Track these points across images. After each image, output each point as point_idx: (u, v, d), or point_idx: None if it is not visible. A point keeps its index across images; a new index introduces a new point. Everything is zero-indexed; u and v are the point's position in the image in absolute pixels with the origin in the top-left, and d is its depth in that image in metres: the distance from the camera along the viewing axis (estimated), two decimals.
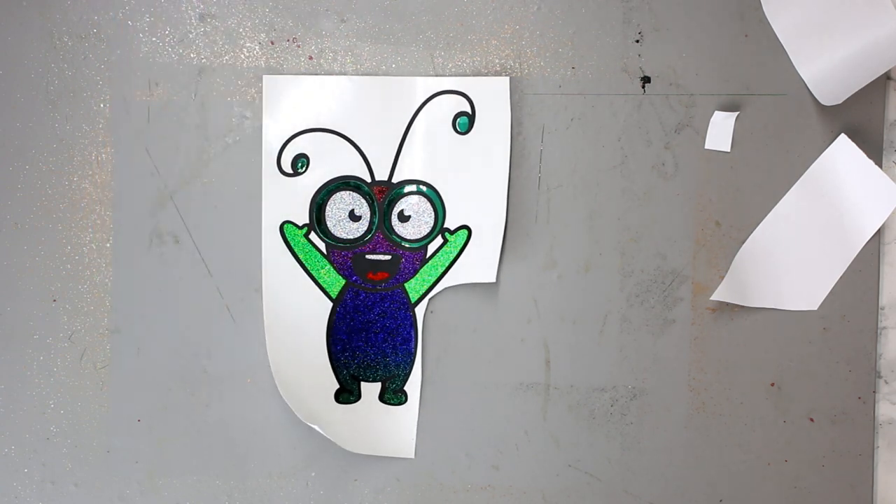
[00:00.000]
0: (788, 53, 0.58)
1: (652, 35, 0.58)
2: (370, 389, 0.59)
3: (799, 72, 0.58)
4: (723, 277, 0.58)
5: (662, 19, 0.58)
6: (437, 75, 0.58)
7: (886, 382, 0.59)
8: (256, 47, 0.58)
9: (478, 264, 0.58)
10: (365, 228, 0.59)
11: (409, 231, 0.59)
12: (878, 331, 0.59)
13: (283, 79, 0.58)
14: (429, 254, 0.59)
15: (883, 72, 0.55)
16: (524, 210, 0.59)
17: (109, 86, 0.59)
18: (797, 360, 0.59)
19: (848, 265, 0.58)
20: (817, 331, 0.59)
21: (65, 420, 0.60)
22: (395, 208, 0.58)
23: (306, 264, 0.59)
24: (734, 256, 0.58)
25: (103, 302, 0.59)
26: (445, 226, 0.58)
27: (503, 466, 0.59)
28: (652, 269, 0.59)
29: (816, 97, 0.57)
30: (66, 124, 0.59)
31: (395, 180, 0.58)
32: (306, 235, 0.59)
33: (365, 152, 0.58)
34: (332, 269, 0.59)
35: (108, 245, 0.59)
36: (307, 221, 0.59)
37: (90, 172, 0.59)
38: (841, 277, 0.58)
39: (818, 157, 0.58)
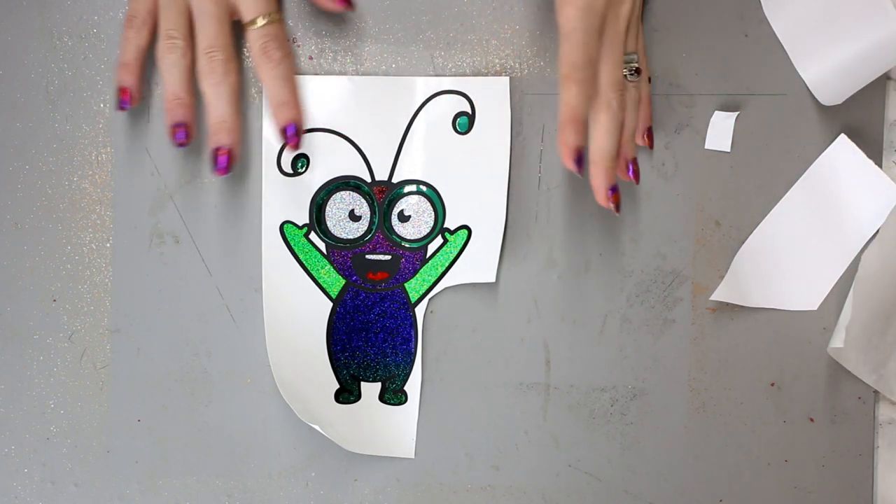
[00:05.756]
0: (788, 53, 0.58)
1: (652, 35, 0.58)
2: (370, 389, 0.59)
3: (799, 72, 0.58)
4: (723, 277, 0.58)
5: (662, 19, 0.58)
6: (437, 75, 0.58)
7: None
8: None
9: (478, 264, 0.58)
10: (365, 228, 0.59)
11: (409, 231, 0.59)
12: None
13: None
14: (429, 254, 0.59)
15: (883, 72, 0.55)
16: (524, 210, 0.58)
17: (109, 86, 0.58)
18: (797, 360, 0.59)
19: (848, 265, 0.58)
20: (817, 331, 0.59)
21: (65, 420, 0.60)
22: (395, 208, 0.58)
23: (306, 264, 0.59)
24: (734, 256, 0.58)
25: (103, 302, 0.59)
26: (445, 226, 0.58)
27: (503, 466, 0.59)
28: (652, 269, 0.59)
29: (816, 97, 0.57)
30: (66, 124, 0.59)
31: (395, 180, 0.58)
32: (306, 235, 0.59)
33: (365, 152, 0.58)
34: (332, 269, 0.59)
35: (108, 245, 0.59)
36: (307, 221, 0.59)
37: (90, 172, 0.59)
38: (841, 277, 0.58)
39: (818, 157, 0.58)
